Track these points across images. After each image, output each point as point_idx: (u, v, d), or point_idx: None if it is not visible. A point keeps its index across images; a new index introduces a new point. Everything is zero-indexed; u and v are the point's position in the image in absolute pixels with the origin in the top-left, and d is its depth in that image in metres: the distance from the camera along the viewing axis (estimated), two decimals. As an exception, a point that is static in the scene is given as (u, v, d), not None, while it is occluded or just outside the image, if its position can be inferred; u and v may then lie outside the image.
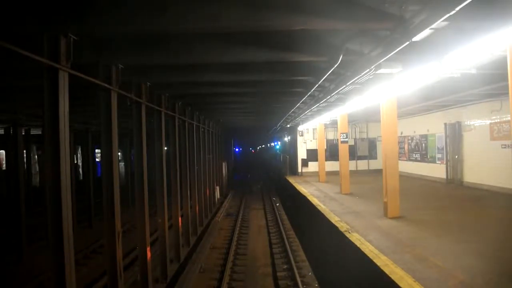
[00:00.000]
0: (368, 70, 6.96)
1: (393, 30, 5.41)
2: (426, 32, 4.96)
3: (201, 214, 15.50)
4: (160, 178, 9.63)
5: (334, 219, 9.80)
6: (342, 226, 8.90)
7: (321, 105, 12.89)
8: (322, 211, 10.96)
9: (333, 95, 10.14)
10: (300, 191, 16.03)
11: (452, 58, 5.56)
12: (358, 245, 7.23)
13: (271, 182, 33.78)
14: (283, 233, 14.33)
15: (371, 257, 6.53)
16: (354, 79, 7.88)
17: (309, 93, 10.94)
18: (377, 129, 24.54)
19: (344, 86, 8.55)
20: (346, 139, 14.62)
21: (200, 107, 14.79)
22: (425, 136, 19.05)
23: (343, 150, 14.71)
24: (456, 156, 15.70)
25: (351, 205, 11.85)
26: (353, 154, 23.35)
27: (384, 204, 9.78)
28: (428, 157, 18.71)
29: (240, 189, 29.80)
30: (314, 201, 13.00)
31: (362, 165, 24.24)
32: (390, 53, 5.87)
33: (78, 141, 18.10)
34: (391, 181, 9.56)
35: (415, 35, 4.97)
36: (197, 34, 6.31)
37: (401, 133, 21.97)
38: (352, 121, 22.26)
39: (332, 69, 7.25)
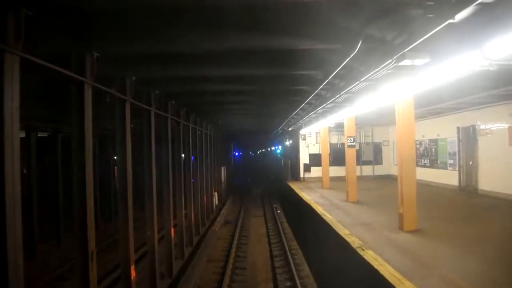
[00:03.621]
0: (389, 61, 5.98)
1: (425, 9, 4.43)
2: (469, 10, 3.99)
3: (197, 222, 14.47)
4: (149, 184, 8.61)
5: (342, 231, 8.77)
6: (353, 241, 7.87)
7: (327, 106, 11.90)
8: (329, 222, 9.93)
9: (342, 94, 9.14)
10: (303, 198, 15.00)
11: (496, 45, 4.57)
12: (376, 266, 6.21)
13: (271, 187, 32.75)
14: (285, 243, 13.31)
15: (392, 282, 5.51)
16: (369, 74, 6.89)
17: (316, 91, 9.95)
18: (383, 133, 23.67)
19: (357, 82, 7.56)
20: (353, 143, 13.63)
21: (196, 108, 13.79)
22: (435, 141, 18.04)
23: (350, 154, 13.71)
24: (471, 162, 14.68)
25: (360, 215, 10.82)
26: (358, 159, 22.26)
27: (399, 216, 8.76)
28: (439, 162, 17.68)
29: (240, 194, 28.79)
30: (319, 209, 11.97)
31: (367, 170, 23.22)
32: (419, 39, 4.87)
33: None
34: (407, 190, 8.55)
35: (456, 12, 3.99)
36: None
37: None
38: (357, 124, 21.34)
39: (346, 61, 6.24)
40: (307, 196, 15.40)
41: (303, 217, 14.25)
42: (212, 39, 5.92)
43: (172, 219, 10.38)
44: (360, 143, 23.11)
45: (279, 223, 17.23)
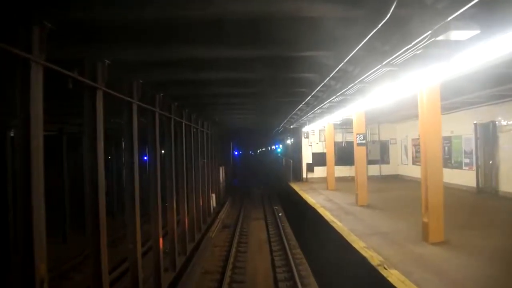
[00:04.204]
0: (423, 37, 4.73)
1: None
2: None
3: (192, 228, 13.21)
4: (131, 189, 7.35)
5: (357, 244, 7.52)
6: (371, 256, 6.62)
7: (334, 100, 10.65)
8: (340, 231, 8.68)
9: (355, 84, 7.88)
10: (308, 201, 13.75)
11: None
12: (406, 294, 4.97)
13: (272, 188, 31.49)
14: (288, 252, 12.05)
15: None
16: (395, 56, 5.64)
17: (324, 82, 8.68)
18: (390, 131, 22.44)
19: (378, 66, 6.28)
20: (363, 141, 12.39)
21: (191, 103, 12.52)
22: (448, 139, 16.74)
23: (360, 153, 12.47)
24: (490, 162, 13.44)
25: (374, 222, 9.58)
26: (363, 158, 21.19)
27: (424, 225, 7.51)
28: (452, 162, 16.43)
29: (239, 195, 27.53)
30: (326, 215, 10.72)
31: (374, 170, 21.90)
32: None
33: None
34: (434, 195, 7.30)
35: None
36: None
37: (419, 135, 19.76)
38: (363, 121, 20.20)
39: (370, 35, 4.93)
40: (312, 199, 14.15)
41: (307, 223, 13.00)
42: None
43: (161, 228, 9.12)
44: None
45: (281, 227, 15.97)
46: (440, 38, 4.58)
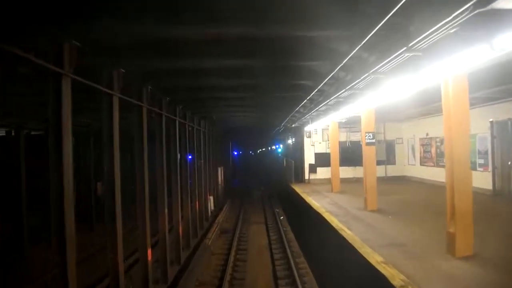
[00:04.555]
0: (463, 9, 3.77)
1: None
2: None
3: (186, 234, 12.23)
4: (111, 195, 6.35)
5: (373, 258, 6.53)
6: (392, 275, 5.62)
7: (342, 95, 9.69)
8: (350, 241, 7.68)
9: (369, 74, 6.89)
10: (311, 205, 12.76)
11: None
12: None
13: (273, 189, 30.52)
14: (291, 261, 11.06)
15: None
16: (424, 35, 4.67)
17: (333, 73, 7.73)
18: (396, 130, 21.46)
19: (403, 49, 5.29)
20: (373, 140, 11.40)
21: (184, 99, 11.52)
22: (460, 138, 15.76)
23: (369, 153, 11.50)
24: (509, 163, 12.46)
25: (388, 230, 8.59)
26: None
27: (448, 236, 6.52)
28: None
29: (239, 197, 26.56)
30: (334, 222, 9.73)
31: (379, 171, 20.48)
32: None
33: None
34: (462, 201, 6.31)
35: None
36: None
37: (427, 134, 18.83)
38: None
39: (391, 12, 3.99)
40: (316, 202, 13.16)
41: (312, 229, 12.02)
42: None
43: (149, 237, 8.13)
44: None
45: (282, 232, 14.98)
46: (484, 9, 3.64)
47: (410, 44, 5.04)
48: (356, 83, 7.81)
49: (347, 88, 8.37)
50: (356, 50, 5.94)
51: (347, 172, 19.35)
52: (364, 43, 5.53)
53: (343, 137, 20.34)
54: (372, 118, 11.45)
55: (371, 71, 6.69)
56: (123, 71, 6.52)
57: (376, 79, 7.39)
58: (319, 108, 12.68)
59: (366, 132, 11.31)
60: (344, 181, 17.68)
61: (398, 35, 5.27)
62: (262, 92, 11.38)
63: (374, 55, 6.46)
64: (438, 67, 5.77)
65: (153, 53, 6.73)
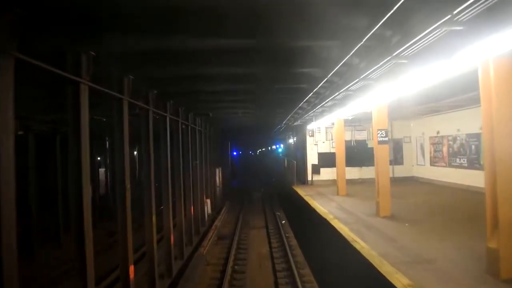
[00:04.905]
0: None
1: None
2: None
3: (180, 243, 11.08)
4: (78, 205, 5.19)
5: (397, 280, 5.38)
6: (428, 306, 4.48)
7: (351, 88, 8.55)
8: (367, 257, 6.54)
9: (390, 59, 5.75)
10: (317, 210, 11.61)
11: None
12: None
13: (273, 190, 29.38)
14: (296, 274, 9.91)
15: None
16: (466, 4, 3.55)
17: (341, 63, 6.60)
18: (403, 129, 20.31)
19: (435, 25, 4.17)
20: (386, 138, 10.24)
21: (178, 94, 10.35)
22: (475, 136, 14.66)
23: (381, 153, 10.34)
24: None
25: (409, 243, 7.41)
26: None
27: (490, 253, 5.38)
28: (481, 163, 14.29)
29: (238, 199, 25.40)
30: (344, 230, 8.59)
31: (386, 171, 19.83)
32: None
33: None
34: (507, 210, 5.16)
35: None
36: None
37: (438, 132, 17.70)
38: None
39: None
40: (321, 207, 12.01)
41: (318, 238, 10.88)
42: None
43: (132, 251, 6.97)
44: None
45: (284, 239, 13.83)
46: None
47: (447, 17, 3.91)
48: (372, 71, 6.66)
49: (360, 77, 7.21)
50: (377, 28, 4.83)
51: (352, 173, 18.27)
52: (387, 18, 4.42)
53: (348, 136, 19.21)
54: (385, 114, 10.31)
55: (394, 54, 5.54)
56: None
57: (397, 65, 6.25)
58: (325, 103, 11.52)
59: (378, 130, 10.16)
60: (349, 182, 16.51)
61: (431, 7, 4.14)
62: (263, 90, 10.36)
63: (398, 34, 5.31)
64: (479, 47, 4.64)
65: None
